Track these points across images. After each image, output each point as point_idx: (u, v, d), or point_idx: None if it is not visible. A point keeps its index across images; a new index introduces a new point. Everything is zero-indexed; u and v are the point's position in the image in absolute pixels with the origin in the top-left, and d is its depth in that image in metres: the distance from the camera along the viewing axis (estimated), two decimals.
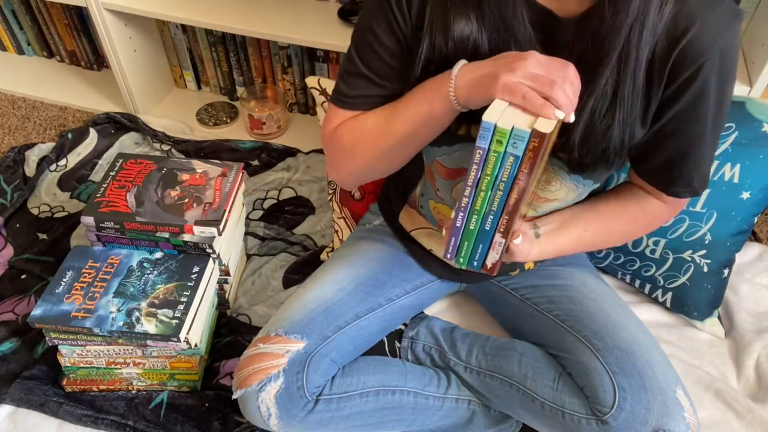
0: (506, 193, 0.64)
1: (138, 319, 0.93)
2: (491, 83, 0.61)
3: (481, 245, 0.70)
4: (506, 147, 0.60)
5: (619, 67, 0.65)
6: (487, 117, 0.59)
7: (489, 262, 0.72)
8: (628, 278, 1.16)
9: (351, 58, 0.76)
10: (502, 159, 0.61)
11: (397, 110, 0.74)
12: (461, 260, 0.72)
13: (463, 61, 0.67)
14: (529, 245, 0.75)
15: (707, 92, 0.68)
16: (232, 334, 1.11)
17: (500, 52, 0.66)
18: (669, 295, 1.11)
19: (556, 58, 0.62)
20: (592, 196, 0.86)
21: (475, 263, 0.72)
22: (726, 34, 0.64)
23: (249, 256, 1.26)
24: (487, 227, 0.68)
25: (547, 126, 0.58)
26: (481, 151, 0.61)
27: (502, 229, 0.68)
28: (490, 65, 0.63)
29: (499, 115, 0.60)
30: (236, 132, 1.63)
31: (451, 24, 0.67)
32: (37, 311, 0.93)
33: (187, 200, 1.06)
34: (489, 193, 0.65)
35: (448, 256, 0.73)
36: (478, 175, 0.64)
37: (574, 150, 0.70)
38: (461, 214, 0.68)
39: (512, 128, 0.59)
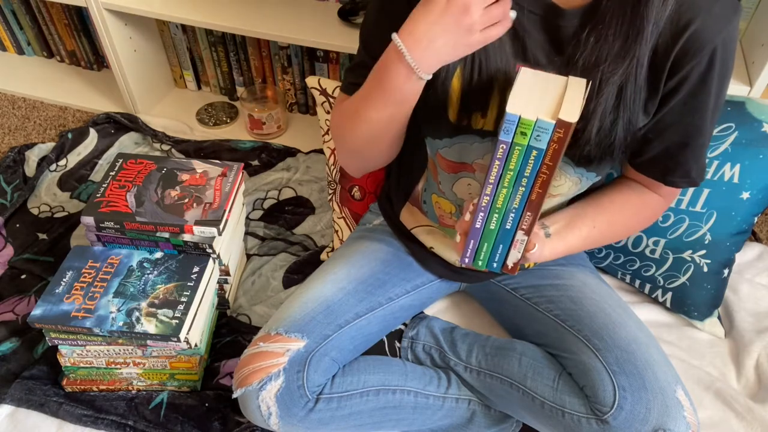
0: (529, 189, 0.63)
1: (138, 319, 0.93)
2: (466, 50, 0.62)
3: (501, 245, 0.69)
4: (530, 140, 0.59)
5: (623, 59, 0.65)
6: (510, 109, 0.58)
7: (510, 262, 0.70)
8: (628, 278, 1.16)
9: (358, 49, 0.79)
10: (526, 153, 0.60)
11: (364, 99, 0.73)
12: (480, 263, 0.70)
13: (394, 35, 0.65)
14: (542, 246, 0.74)
15: (708, 84, 0.69)
16: (232, 334, 1.11)
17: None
18: (669, 295, 1.11)
19: None
20: (591, 192, 0.86)
21: (495, 264, 0.70)
22: (728, 26, 0.65)
23: (249, 256, 1.26)
24: (508, 226, 0.67)
25: (572, 115, 0.57)
26: (505, 146, 0.60)
27: (524, 227, 0.66)
28: (444, 33, 0.61)
29: (522, 106, 0.59)
30: (236, 132, 1.63)
31: None
32: (37, 311, 0.93)
33: (187, 200, 1.06)
34: (511, 189, 0.64)
35: (466, 260, 0.70)
36: (500, 172, 0.62)
37: (587, 144, 0.70)
38: (481, 214, 0.66)
39: (536, 120, 0.58)
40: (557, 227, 0.81)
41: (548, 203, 0.82)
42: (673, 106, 0.71)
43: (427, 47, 0.62)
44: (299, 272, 1.22)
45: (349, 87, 0.80)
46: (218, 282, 1.10)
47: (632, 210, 0.84)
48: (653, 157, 0.78)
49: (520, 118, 0.58)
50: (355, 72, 0.79)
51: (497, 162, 0.62)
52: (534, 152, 0.60)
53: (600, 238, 0.84)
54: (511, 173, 0.62)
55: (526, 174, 0.62)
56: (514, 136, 0.59)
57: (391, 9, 0.71)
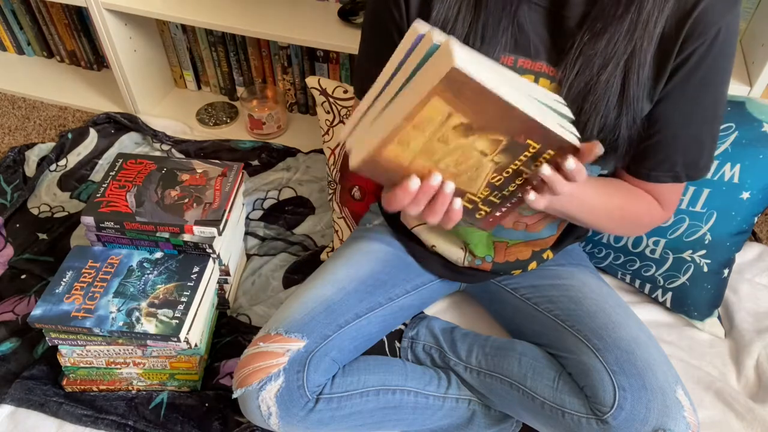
0: None
1: (138, 319, 0.93)
2: None
3: None
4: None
5: (628, 50, 0.65)
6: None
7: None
8: (628, 278, 1.16)
9: (359, 53, 0.85)
10: None
11: None
12: None
13: None
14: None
15: (701, 68, 0.68)
16: (232, 334, 1.11)
17: (486, 37, 0.68)
18: (669, 295, 1.11)
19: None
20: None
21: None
22: (732, 10, 0.65)
23: (249, 256, 1.26)
24: None
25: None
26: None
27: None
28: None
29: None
30: (236, 132, 1.63)
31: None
32: (37, 311, 0.93)
33: (187, 200, 1.06)
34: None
35: None
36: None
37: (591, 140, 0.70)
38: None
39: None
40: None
41: None
42: (669, 90, 0.70)
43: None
44: (299, 272, 1.22)
45: (360, 93, 0.86)
46: (218, 282, 1.10)
47: (645, 207, 0.81)
48: (657, 149, 0.76)
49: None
50: (360, 76, 0.86)
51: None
52: None
53: (607, 211, 0.79)
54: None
55: None
56: None
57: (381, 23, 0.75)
